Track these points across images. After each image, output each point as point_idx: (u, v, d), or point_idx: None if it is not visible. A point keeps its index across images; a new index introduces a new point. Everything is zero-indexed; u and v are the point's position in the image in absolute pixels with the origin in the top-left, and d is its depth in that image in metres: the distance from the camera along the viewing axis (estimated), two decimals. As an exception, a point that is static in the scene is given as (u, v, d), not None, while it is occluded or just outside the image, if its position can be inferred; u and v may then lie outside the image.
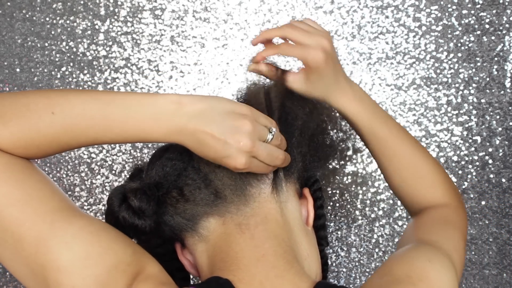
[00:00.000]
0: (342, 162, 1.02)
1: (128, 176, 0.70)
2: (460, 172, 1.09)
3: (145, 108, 0.56)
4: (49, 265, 0.53)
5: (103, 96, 0.57)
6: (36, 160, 0.90)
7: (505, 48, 1.08)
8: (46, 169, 1.10)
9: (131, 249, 0.57)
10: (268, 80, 0.70)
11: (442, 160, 1.09)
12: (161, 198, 0.62)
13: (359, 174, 1.08)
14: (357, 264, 1.11)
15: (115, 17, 1.09)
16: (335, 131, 0.71)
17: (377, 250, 1.11)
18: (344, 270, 1.11)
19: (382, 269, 0.62)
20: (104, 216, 1.12)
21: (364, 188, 1.10)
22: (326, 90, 0.69)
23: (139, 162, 0.69)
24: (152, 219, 0.61)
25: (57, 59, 1.10)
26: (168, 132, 0.56)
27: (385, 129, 0.72)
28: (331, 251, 1.11)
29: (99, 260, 0.53)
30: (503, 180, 1.09)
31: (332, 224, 1.11)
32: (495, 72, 1.09)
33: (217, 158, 0.56)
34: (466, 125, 1.09)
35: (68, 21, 1.09)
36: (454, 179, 1.09)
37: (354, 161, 1.10)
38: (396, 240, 1.10)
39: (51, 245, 0.53)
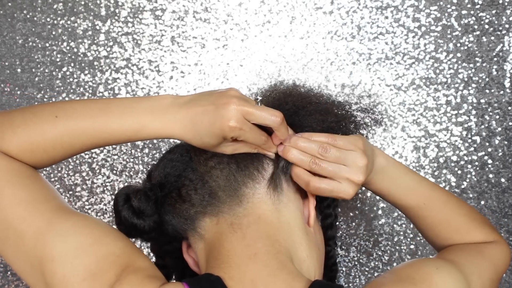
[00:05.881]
0: None
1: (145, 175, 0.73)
2: (459, 172, 1.10)
3: (141, 103, 0.61)
4: (45, 256, 0.57)
5: (103, 99, 0.63)
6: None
7: (504, 48, 1.08)
8: (48, 169, 1.10)
9: (122, 243, 0.60)
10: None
11: (441, 160, 1.10)
12: (162, 198, 0.65)
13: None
14: (356, 263, 1.11)
15: (116, 17, 1.10)
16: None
17: (376, 249, 1.11)
18: (344, 269, 1.11)
19: (389, 271, 0.63)
20: (104, 216, 1.13)
21: (363, 188, 1.10)
22: None
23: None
24: (152, 219, 0.63)
25: (58, 60, 1.10)
26: (163, 123, 0.60)
27: (415, 198, 0.74)
28: (330, 250, 1.11)
29: (89, 250, 0.57)
30: (502, 180, 1.09)
31: (331, 223, 1.11)
32: (495, 72, 1.09)
33: (212, 127, 0.58)
34: (466, 125, 1.09)
35: (69, 22, 1.10)
36: (453, 179, 1.10)
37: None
38: (396, 239, 1.11)
39: (47, 238, 0.57)
